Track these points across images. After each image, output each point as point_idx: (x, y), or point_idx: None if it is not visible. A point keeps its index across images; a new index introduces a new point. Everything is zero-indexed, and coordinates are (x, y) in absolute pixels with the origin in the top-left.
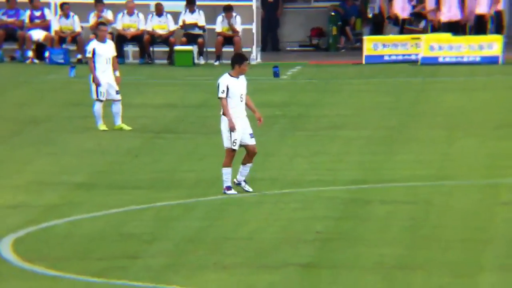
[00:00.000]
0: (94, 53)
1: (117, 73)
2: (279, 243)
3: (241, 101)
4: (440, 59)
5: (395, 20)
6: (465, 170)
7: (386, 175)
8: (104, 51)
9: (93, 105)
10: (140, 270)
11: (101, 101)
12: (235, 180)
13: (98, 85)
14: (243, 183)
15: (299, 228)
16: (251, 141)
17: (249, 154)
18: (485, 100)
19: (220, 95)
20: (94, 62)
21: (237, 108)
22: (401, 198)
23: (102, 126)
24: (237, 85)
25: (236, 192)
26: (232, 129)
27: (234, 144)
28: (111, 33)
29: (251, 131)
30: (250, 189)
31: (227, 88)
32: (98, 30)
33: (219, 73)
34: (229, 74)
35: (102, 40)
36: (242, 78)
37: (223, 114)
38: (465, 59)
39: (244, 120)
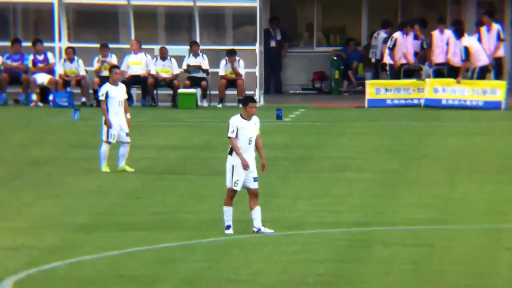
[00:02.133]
0: (107, 95)
1: (128, 116)
2: (280, 286)
3: (249, 144)
4: (443, 102)
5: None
6: (467, 214)
7: (388, 218)
8: (116, 94)
9: (100, 146)
10: None
11: (109, 143)
12: (254, 228)
13: (109, 127)
14: (262, 229)
15: (300, 270)
16: (254, 185)
17: (251, 196)
18: (487, 144)
19: (230, 134)
20: (106, 104)
21: (245, 150)
22: (402, 241)
23: (105, 168)
24: (247, 127)
25: (232, 232)
26: (245, 167)
27: (236, 185)
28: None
29: (255, 175)
30: (271, 231)
31: (237, 129)
32: (112, 73)
33: (222, 116)
34: (240, 115)
35: (114, 83)
36: (255, 121)
37: (229, 153)
38: (468, 103)
39: (251, 163)
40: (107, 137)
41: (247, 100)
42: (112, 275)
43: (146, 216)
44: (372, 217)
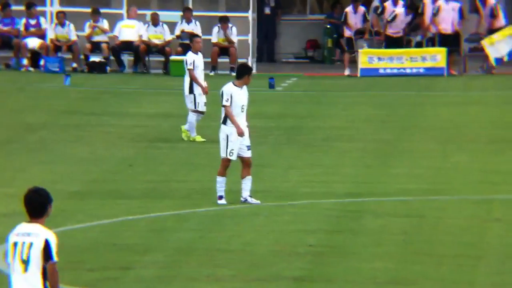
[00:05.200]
0: (194, 64)
1: (205, 84)
2: (272, 256)
3: (242, 111)
4: (381, 71)
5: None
6: (458, 185)
7: (379, 189)
8: (199, 63)
9: (189, 116)
10: (132, 281)
11: (200, 112)
12: (241, 198)
13: (206, 92)
14: (249, 199)
15: (292, 240)
16: (247, 154)
17: (244, 166)
18: (478, 114)
19: (225, 103)
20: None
21: (238, 118)
22: (394, 212)
23: (198, 138)
24: (240, 95)
25: (225, 202)
26: (240, 134)
27: (231, 154)
28: (107, 43)
29: (248, 143)
30: (258, 202)
31: (231, 97)
32: (194, 43)
33: (214, 83)
34: (233, 83)
35: (196, 51)
36: (245, 89)
37: (223, 122)
38: (407, 71)
39: (244, 131)
40: (195, 106)
41: (250, 70)
42: (105, 243)
43: (138, 184)
44: (363, 188)
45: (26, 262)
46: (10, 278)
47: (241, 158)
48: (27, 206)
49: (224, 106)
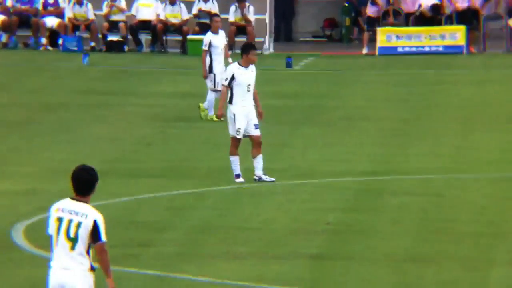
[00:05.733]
0: (210, 44)
1: (230, 60)
2: (289, 234)
3: (248, 91)
4: (399, 49)
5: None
6: (478, 163)
7: (398, 167)
8: (219, 42)
9: (208, 94)
10: (152, 259)
11: (217, 91)
12: (255, 177)
13: (205, 77)
14: (263, 177)
15: (310, 219)
16: (256, 132)
17: (254, 144)
18: (499, 93)
19: (223, 82)
20: (210, 53)
21: (244, 97)
22: (413, 191)
23: (215, 117)
24: (244, 74)
25: (243, 180)
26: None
27: (238, 132)
28: (125, 22)
29: (256, 122)
30: (272, 179)
31: (233, 77)
32: (213, 22)
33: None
34: (238, 63)
35: (215, 31)
36: (252, 69)
37: (229, 102)
38: (426, 49)
39: (250, 110)
40: (214, 85)
41: (249, 48)
42: (124, 221)
43: (157, 163)
44: (382, 167)
45: (74, 240)
46: (52, 249)
47: (250, 137)
48: (74, 183)
49: (222, 85)
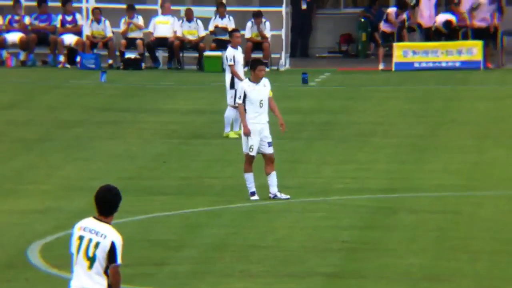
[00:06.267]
0: (234, 59)
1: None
2: (305, 252)
3: (261, 107)
4: (416, 65)
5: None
6: (495, 180)
7: (414, 184)
8: (239, 57)
9: (227, 111)
10: (166, 277)
11: (236, 108)
12: (270, 194)
13: (241, 79)
14: (278, 194)
15: (325, 237)
16: (269, 150)
17: (267, 162)
18: None
19: (237, 100)
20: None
21: (256, 114)
22: (429, 208)
23: (232, 134)
24: (255, 90)
25: (258, 198)
26: (246, 134)
27: (251, 150)
28: (142, 39)
29: (270, 140)
30: (287, 196)
31: (245, 94)
32: (233, 37)
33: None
34: (248, 79)
35: (235, 46)
36: (264, 83)
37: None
38: (443, 65)
39: (264, 127)
40: (235, 102)
41: (256, 63)
42: (139, 239)
43: (172, 181)
44: (398, 184)
45: (91, 260)
46: (72, 268)
47: (263, 155)
48: (98, 204)
49: (237, 104)
